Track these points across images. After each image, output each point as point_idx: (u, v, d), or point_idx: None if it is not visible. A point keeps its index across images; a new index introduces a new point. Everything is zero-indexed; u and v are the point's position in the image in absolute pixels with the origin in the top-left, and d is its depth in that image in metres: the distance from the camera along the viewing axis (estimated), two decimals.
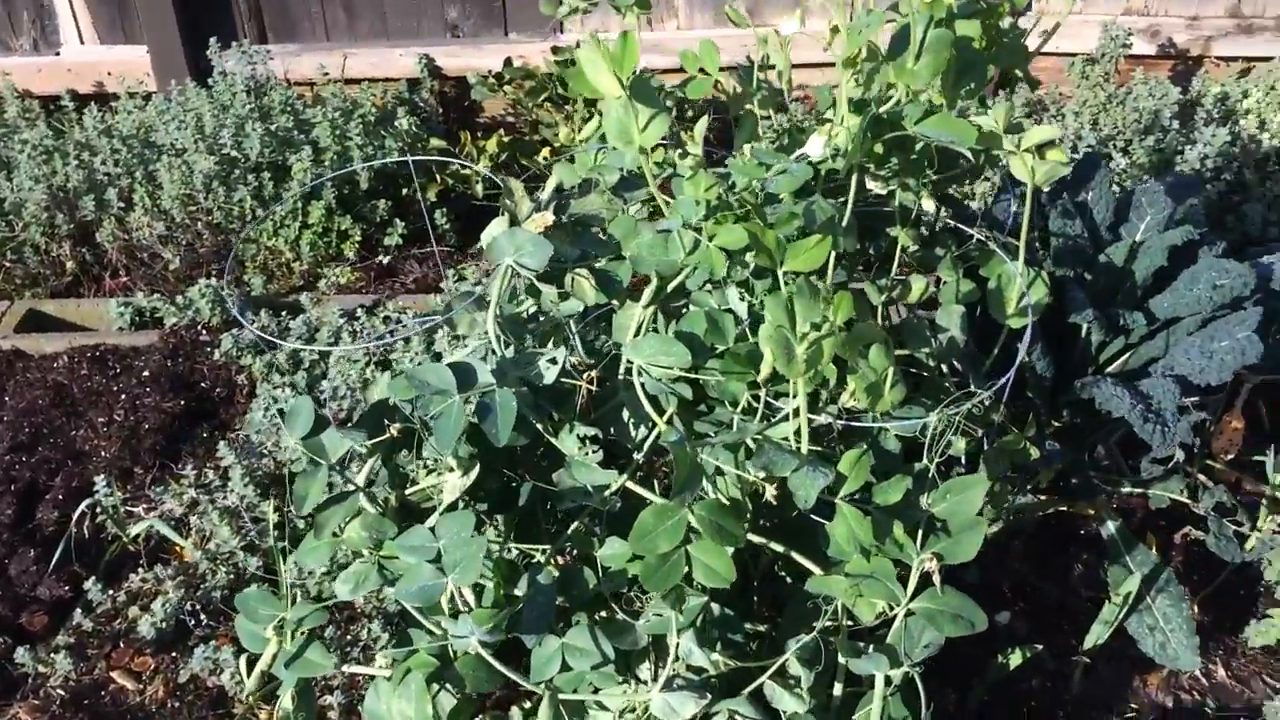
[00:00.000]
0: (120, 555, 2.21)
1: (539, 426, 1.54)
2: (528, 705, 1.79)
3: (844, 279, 1.59)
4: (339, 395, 2.39)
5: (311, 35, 3.87)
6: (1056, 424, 1.89)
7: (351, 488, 1.52)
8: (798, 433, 1.35)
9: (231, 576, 2.12)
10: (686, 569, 1.39)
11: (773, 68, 1.75)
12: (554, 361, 1.49)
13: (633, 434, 1.59)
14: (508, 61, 3.59)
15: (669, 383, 1.47)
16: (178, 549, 2.22)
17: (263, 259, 3.17)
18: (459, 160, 2.86)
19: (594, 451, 1.52)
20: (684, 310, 1.61)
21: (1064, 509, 2.09)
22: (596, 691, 1.49)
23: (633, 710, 1.51)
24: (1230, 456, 2.31)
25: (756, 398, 1.45)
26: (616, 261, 1.56)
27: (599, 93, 1.36)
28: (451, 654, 1.56)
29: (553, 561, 1.59)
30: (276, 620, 1.54)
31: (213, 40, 3.41)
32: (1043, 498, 2.01)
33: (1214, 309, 1.67)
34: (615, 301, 1.55)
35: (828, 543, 1.48)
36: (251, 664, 1.91)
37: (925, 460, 1.40)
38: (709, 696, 1.42)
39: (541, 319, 1.66)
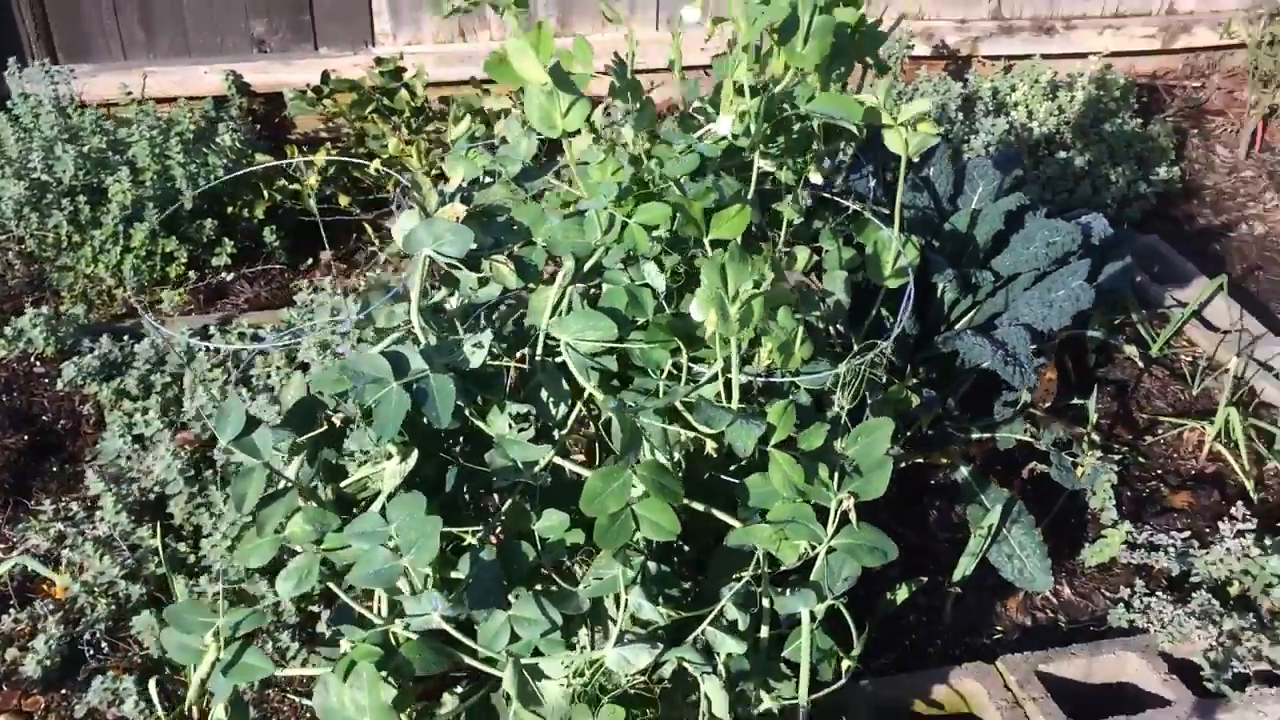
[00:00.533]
0: None
1: (466, 410, 1.59)
2: (459, 690, 1.82)
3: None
4: (205, 415, 2.33)
5: (107, 54, 3.72)
6: (914, 379, 2.08)
7: (284, 484, 1.52)
8: (728, 390, 1.46)
9: (113, 607, 2.04)
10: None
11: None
12: (479, 345, 1.55)
13: (552, 411, 1.66)
14: (325, 75, 3.56)
15: (592, 357, 1.55)
16: (47, 586, 2.11)
17: (81, 287, 3.03)
18: (312, 158, 2.82)
19: (524, 429, 1.58)
20: (592, 289, 1.70)
21: (918, 460, 2.29)
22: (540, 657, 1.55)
23: (580, 674, 1.57)
24: (1047, 405, 2.59)
25: (677, 365, 1.55)
26: (529, 247, 1.63)
27: (523, 81, 1.43)
28: (394, 642, 1.58)
29: (488, 540, 1.64)
30: (213, 627, 1.52)
31: (12, 60, 3.23)
32: (903, 450, 2.20)
33: (1049, 264, 1.89)
34: (530, 285, 1.62)
35: (745, 498, 1.60)
36: (163, 687, 1.87)
37: (837, 408, 1.53)
38: (660, 646, 1.50)
39: (445, 310, 1.71)
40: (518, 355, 1.56)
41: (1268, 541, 2.10)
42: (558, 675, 1.59)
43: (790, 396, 1.51)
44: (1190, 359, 2.80)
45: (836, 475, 1.53)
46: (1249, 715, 1.85)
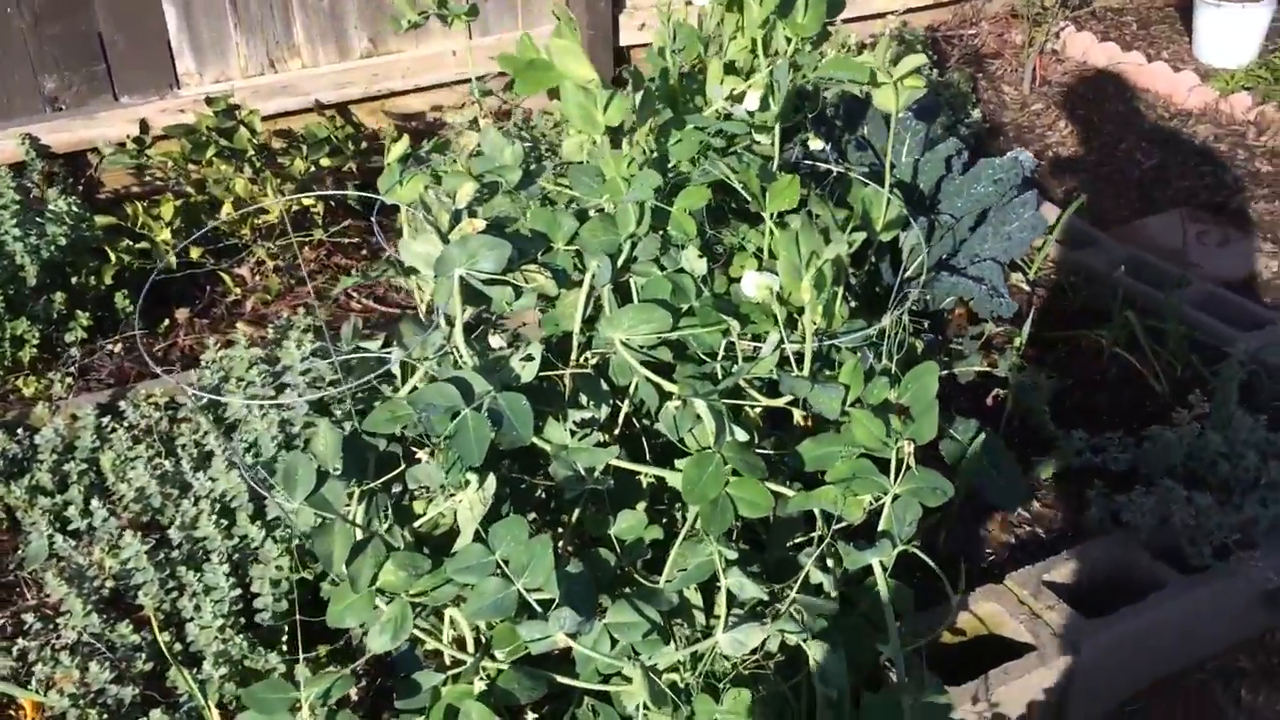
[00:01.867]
0: None
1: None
2: (531, 717, 1.77)
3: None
4: (146, 495, 2.15)
5: None
6: None
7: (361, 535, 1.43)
8: (798, 360, 1.48)
9: (105, 716, 1.86)
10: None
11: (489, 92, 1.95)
12: (530, 358, 1.50)
13: (594, 415, 1.63)
14: (144, 124, 3.32)
15: (646, 350, 1.53)
16: (16, 711, 1.90)
17: None
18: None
19: (587, 434, 1.55)
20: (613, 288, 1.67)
21: None
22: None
23: (686, 666, 1.56)
24: (963, 340, 2.73)
25: (729, 346, 1.56)
26: (549, 253, 1.59)
27: (558, 83, 1.40)
28: (486, 676, 1.53)
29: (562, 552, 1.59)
30: (307, 698, 1.42)
31: None
32: None
33: (998, 200, 2.01)
34: (562, 290, 1.59)
35: (801, 464, 1.63)
36: None
37: (885, 360, 1.58)
38: (769, 623, 1.51)
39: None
40: (578, 360, 1.52)
41: (1198, 427, 2.31)
42: (666, 670, 1.57)
43: (856, 356, 1.54)
44: (1057, 277, 3.02)
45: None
46: (1237, 581, 2.04)
